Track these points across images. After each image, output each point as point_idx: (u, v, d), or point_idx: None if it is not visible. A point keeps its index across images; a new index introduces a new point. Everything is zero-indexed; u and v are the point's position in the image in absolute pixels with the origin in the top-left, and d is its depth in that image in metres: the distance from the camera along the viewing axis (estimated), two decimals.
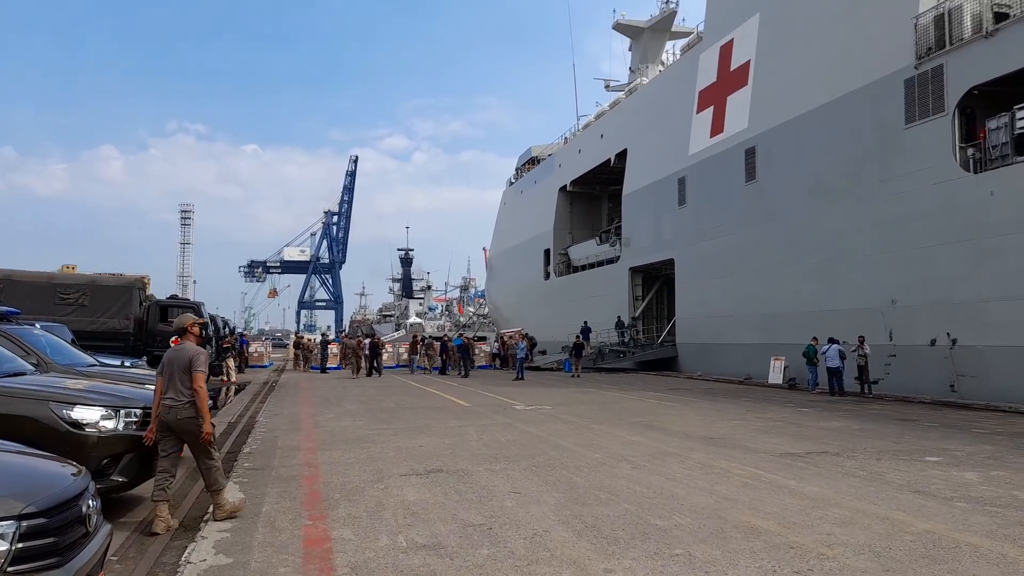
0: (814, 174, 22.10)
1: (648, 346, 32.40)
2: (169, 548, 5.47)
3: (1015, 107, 16.14)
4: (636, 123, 34.63)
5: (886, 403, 16.90)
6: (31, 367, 7.37)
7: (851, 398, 18.15)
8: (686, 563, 4.73)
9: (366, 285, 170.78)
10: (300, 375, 29.37)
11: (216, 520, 5.97)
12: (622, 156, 35.40)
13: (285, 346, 56.02)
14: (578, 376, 26.61)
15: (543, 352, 36.88)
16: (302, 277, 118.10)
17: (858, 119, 20.40)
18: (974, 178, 16.96)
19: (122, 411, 6.03)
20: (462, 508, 6.30)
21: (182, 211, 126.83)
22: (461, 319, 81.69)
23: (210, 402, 9.68)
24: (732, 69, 26.96)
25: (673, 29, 42.12)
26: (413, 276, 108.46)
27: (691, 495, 6.74)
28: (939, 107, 17.79)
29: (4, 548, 2.83)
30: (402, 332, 70.50)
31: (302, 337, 38.55)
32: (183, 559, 5.02)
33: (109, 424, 5.90)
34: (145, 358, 17.95)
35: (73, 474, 3.56)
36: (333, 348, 34.09)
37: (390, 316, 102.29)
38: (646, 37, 42.54)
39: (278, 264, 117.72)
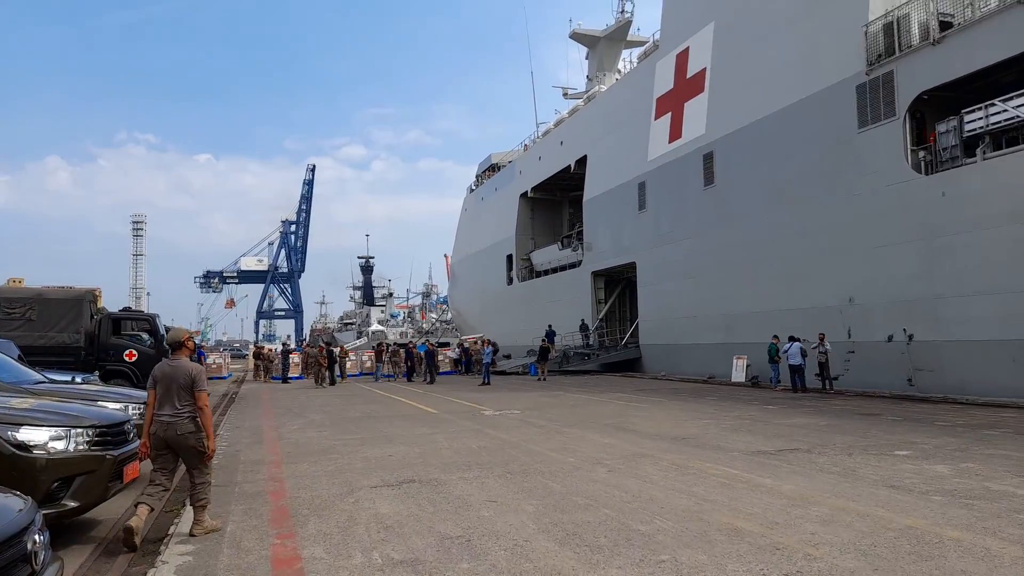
0: (771, 178, 22.45)
1: (612, 348, 32.52)
2: (128, 574, 5.16)
3: (963, 111, 16.61)
4: (595, 130, 34.85)
5: (847, 398, 17.18)
6: None
7: (813, 394, 18.42)
8: (673, 570, 4.62)
9: (326, 294, 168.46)
10: (261, 386, 28.66)
11: (192, 535, 5.84)
12: (582, 162, 35.58)
13: (244, 357, 54.77)
14: (544, 379, 26.53)
15: (508, 357, 36.74)
16: (260, 287, 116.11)
17: (813, 124, 20.80)
18: (925, 180, 17.39)
19: (73, 431, 5.66)
20: (438, 520, 6.09)
21: (134, 222, 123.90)
22: (424, 326, 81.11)
23: None
24: (689, 76, 27.31)
25: (628, 38, 42.65)
26: (374, 284, 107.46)
27: (670, 497, 6.65)
28: (890, 112, 18.23)
29: None
30: (364, 340, 69.65)
31: (262, 347, 37.70)
32: None
33: (59, 445, 5.54)
34: (98, 373, 17.28)
35: (18, 508, 3.26)
36: (295, 357, 33.41)
37: (351, 324, 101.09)
38: (602, 46, 42.96)
39: (235, 274, 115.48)
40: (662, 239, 28.33)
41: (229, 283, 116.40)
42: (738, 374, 22.89)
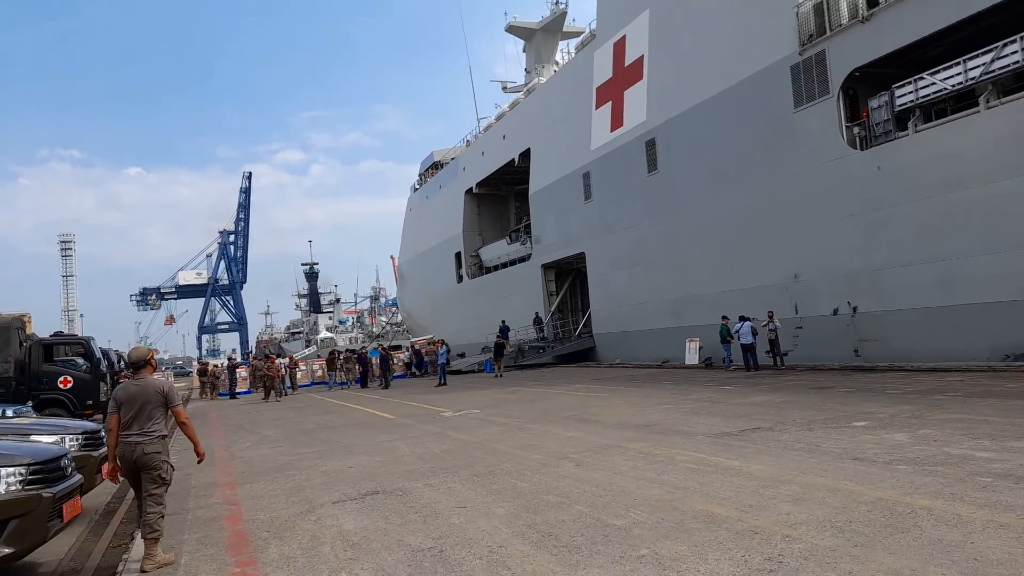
0: (712, 161, 22.74)
1: (566, 339, 32.59)
2: None
3: (893, 86, 17.06)
4: (537, 122, 34.79)
5: (799, 373, 17.53)
6: None
7: (766, 371, 18.74)
8: (655, 564, 4.49)
9: (271, 303, 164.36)
10: (208, 403, 27.71)
11: (143, 572, 5.46)
12: (526, 155, 35.48)
13: (188, 374, 53.02)
14: (501, 376, 26.37)
15: (462, 355, 36.47)
16: (201, 301, 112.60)
17: (750, 106, 21.13)
18: (861, 155, 17.83)
19: (4, 470, 5.22)
20: (406, 532, 5.85)
21: (62, 242, 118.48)
22: (374, 330, 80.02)
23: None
24: (627, 64, 27.45)
25: (565, 29, 42.75)
26: (320, 290, 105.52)
27: (641, 488, 6.56)
28: (824, 90, 18.62)
29: None
30: (313, 348, 68.27)
31: (207, 364, 36.50)
32: None
33: None
34: (31, 403, 16.35)
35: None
36: (242, 372, 32.46)
37: (299, 333, 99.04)
38: (539, 38, 42.94)
39: (173, 289, 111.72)
40: (610, 228, 28.46)
41: (168, 299, 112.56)
42: (691, 357, 23.16)
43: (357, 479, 8.41)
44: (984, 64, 15.03)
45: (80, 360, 18.65)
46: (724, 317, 20.87)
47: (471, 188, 41.67)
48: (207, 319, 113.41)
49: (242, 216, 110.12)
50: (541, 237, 34.25)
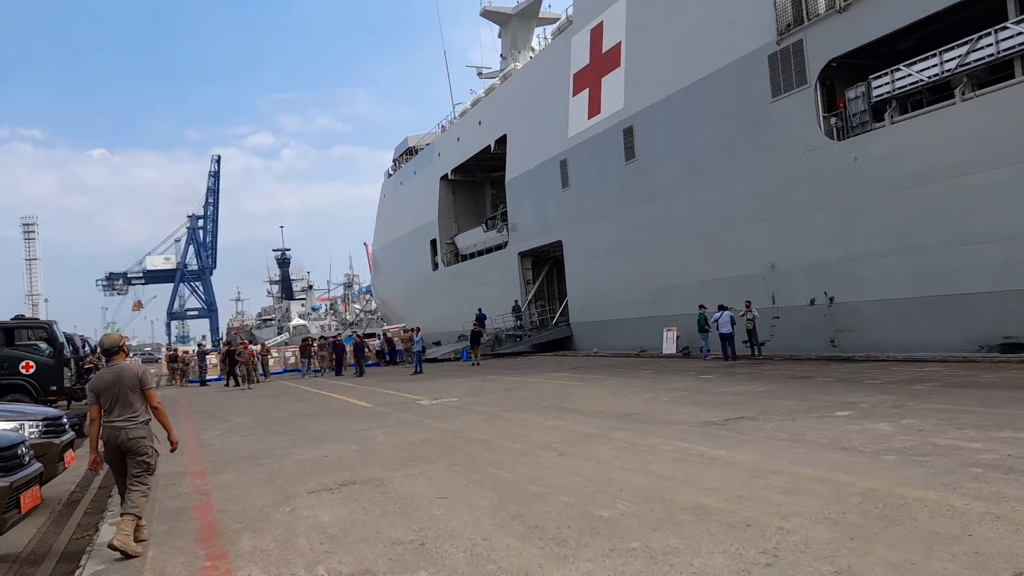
0: (690, 150, 22.67)
1: (543, 328, 32.47)
2: None
3: (870, 76, 17.08)
4: (513, 108, 34.43)
5: (777, 363, 17.59)
6: None
7: (744, 361, 18.78)
8: (646, 558, 4.34)
9: (241, 290, 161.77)
10: (178, 390, 27.12)
11: (110, 545, 5.31)
12: (502, 142, 35.12)
13: (157, 360, 52.03)
14: (478, 364, 26.17)
15: (437, 343, 36.20)
16: (169, 286, 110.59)
17: (727, 95, 21.05)
18: (838, 145, 17.86)
19: None
20: (386, 524, 5.63)
21: (24, 225, 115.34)
22: (348, 317, 79.25)
23: (72, 432, 8.41)
24: (604, 51, 27.22)
25: (540, 15, 42.27)
26: (292, 277, 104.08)
27: (627, 478, 6.41)
28: (802, 80, 18.59)
29: None
30: (285, 336, 67.43)
31: (176, 350, 35.78)
32: None
33: None
34: None
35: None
36: (212, 358, 31.84)
37: (271, 320, 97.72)
38: (514, 23, 42.43)
39: (141, 275, 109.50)
40: (587, 216, 28.31)
41: (135, 284, 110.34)
42: (669, 346, 23.17)
43: (333, 469, 8.16)
44: (960, 56, 15.08)
45: (43, 345, 18.06)
46: (701, 306, 20.87)
47: (446, 174, 41.21)
48: (176, 305, 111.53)
49: (211, 200, 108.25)
50: (518, 225, 34.00)
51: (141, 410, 5.76)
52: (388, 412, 13.50)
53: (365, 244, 78.19)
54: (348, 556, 4.91)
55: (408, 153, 48.95)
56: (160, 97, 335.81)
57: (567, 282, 30.71)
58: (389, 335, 35.62)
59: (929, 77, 15.69)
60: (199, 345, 37.80)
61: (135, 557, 5.31)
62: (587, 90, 28.24)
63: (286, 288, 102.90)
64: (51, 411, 8.59)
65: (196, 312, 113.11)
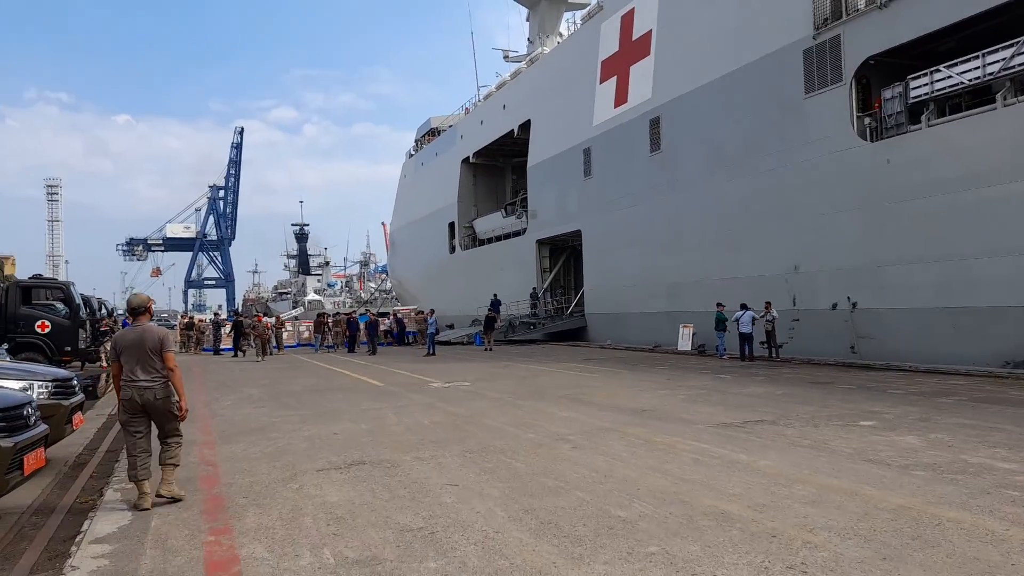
0: (717, 144, 22.26)
1: (558, 317, 32.24)
2: None
3: (908, 77, 16.60)
4: (539, 94, 34.02)
5: (795, 367, 17.26)
6: None
7: (761, 363, 18.47)
8: (666, 564, 4.14)
9: (258, 262, 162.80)
10: (192, 358, 27.23)
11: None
12: (525, 127, 34.76)
13: (173, 327, 52.42)
14: (490, 350, 26.02)
15: (450, 326, 36.12)
16: (188, 255, 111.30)
17: (759, 89, 20.60)
18: (871, 146, 17.41)
19: None
20: (395, 508, 5.47)
21: (48, 186, 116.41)
22: (362, 295, 79.45)
23: (82, 395, 8.33)
24: (634, 39, 26.74)
25: (569, 0, 41.69)
26: (309, 252, 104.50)
27: (644, 477, 6.21)
28: (837, 77, 18.12)
29: None
30: (300, 310, 67.72)
31: (192, 318, 35.93)
32: None
33: None
34: (7, 345, 15.81)
35: None
36: (227, 329, 31.96)
37: (286, 294, 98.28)
38: (543, 7, 41.84)
39: (160, 242, 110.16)
40: (608, 206, 27.97)
41: (155, 251, 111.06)
42: (684, 343, 22.89)
43: (342, 447, 8.02)
44: (1004, 59, 14.59)
45: (60, 305, 18.10)
46: (719, 304, 20.56)
47: (468, 157, 40.93)
48: (194, 274, 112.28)
49: (233, 172, 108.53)
50: (537, 212, 33.70)
51: (161, 371, 5.88)
52: (400, 392, 13.37)
53: (383, 223, 78.16)
54: (355, 540, 4.76)
55: (431, 134, 48.66)
56: (186, 67, 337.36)
57: (584, 272, 30.43)
58: (400, 316, 35.58)
59: (970, 80, 15.21)
60: (215, 315, 37.96)
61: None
62: (615, 78, 27.80)
63: (303, 263, 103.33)
64: (61, 372, 8.51)
65: (213, 282, 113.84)
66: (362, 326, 28.93)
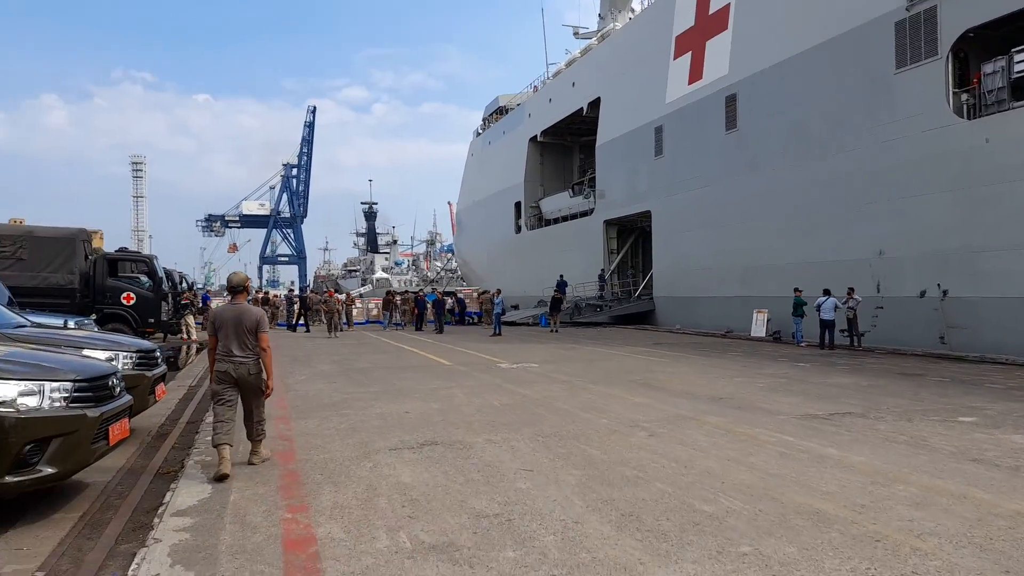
0: (798, 122, 21.28)
1: (625, 300, 31.74)
2: (115, 554, 4.45)
3: (1013, 50, 15.40)
4: (609, 70, 33.27)
5: (879, 356, 16.43)
6: None
7: (842, 351, 17.66)
8: (761, 566, 3.87)
9: (329, 239, 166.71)
10: None
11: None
12: (595, 105, 34.12)
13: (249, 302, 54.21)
14: (556, 331, 25.83)
15: (515, 307, 36.09)
16: (263, 231, 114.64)
17: (845, 64, 19.52)
18: (968, 124, 16.29)
19: (48, 385, 4.88)
20: (470, 492, 5.36)
21: (133, 163, 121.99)
22: (428, 274, 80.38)
23: (164, 366, 8.54)
24: (711, 13, 25.76)
25: None
26: (378, 230, 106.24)
27: (728, 470, 5.91)
28: (932, 51, 16.97)
29: None
30: (368, 287, 69.04)
31: (267, 293, 37.03)
32: (130, 573, 4.00)
33: (31, 402, 4.76)
34: (94, 316, 16.56)
35: None
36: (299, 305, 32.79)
37: (355, 271, 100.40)
38: None
39: (237, 218, 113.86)
40: (679, 186, 27.21)
41: (231, 227, 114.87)
42: (758, 329, 22.14)
43: (414, 426, 7.99)
44: None
45: (144, 278, 18.82)
46: (797, 289, 19.75)
47: (535, 136, 40.55)
48: (268, 250, 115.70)
49: (305, 150, 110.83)
50: (605, 192, 33.11)
51: (254, 349, 6.17)
52: (468, 372, 13.33)
53: (449, 203, 78.67)
54: (431, 524, 4.66)
55: (498, 112, 48.44)
56: (261, 47, 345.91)
57: (653, 254, 29.78)
58: (461, 296, 35.82)
59: None
60: (289, 290, 39.02)
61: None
62: (689, 54, 26.90)
63: (371, 241, 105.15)
64: (145, 343, 8.75)
65: (287, 259, 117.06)
66: (429, 305, 29.17)
